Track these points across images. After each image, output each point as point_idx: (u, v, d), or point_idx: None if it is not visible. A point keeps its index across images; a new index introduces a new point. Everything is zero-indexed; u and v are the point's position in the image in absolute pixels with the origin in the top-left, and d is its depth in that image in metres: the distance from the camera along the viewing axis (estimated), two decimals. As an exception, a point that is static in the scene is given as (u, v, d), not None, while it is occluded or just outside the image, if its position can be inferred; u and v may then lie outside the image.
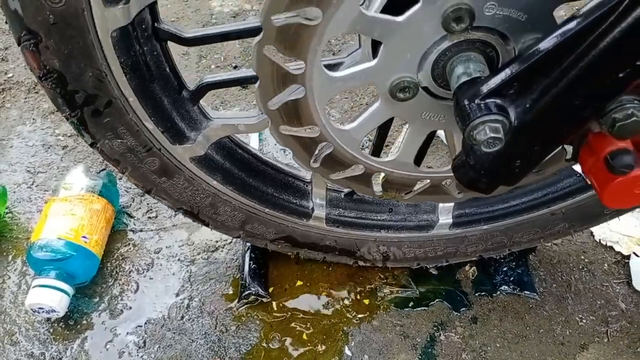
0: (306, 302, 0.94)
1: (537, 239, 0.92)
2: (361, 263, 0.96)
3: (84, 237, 0.91)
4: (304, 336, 0.90)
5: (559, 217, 0.87)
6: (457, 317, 0.95)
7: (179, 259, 0.98)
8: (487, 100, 0.52)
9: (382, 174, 0.72)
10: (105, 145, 0.68)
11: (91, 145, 0.68)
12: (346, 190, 0.86)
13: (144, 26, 0.60)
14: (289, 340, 0.90)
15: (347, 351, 0.90)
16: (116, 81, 0.61)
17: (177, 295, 0.94)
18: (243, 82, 0.68)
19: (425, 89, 0.60)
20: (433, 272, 1.00)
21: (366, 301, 0.96)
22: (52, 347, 0.88)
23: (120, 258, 0.99)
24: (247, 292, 0.93)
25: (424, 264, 0.96)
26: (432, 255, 0.94)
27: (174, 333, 0.89)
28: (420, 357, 0.91)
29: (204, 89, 0.69)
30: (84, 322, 0.91)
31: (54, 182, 1.07)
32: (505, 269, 0.99)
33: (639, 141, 0.53)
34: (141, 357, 0.87)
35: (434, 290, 0.98)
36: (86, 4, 0.53)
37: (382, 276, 0.99)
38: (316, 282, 0.97)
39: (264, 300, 0.93)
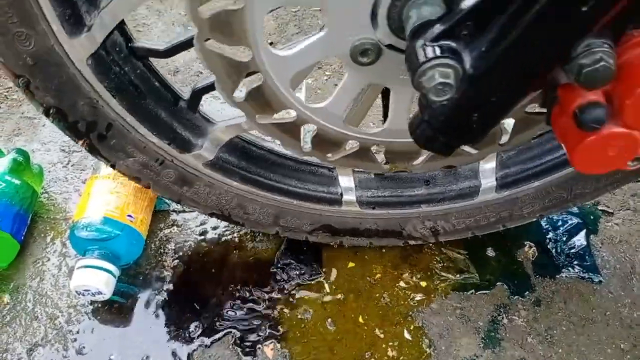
0: (359, 284, 0.91)
1: (603, 187, 0.80)
2: (411, 242, 0.91)
3: (129, 215, 0.86)
4: (360, 319, 0.88)
5: (620, 159, 0.75)
6: (520, 299, 0.88)
7: (225, 242, 0.94)
8: (438, 43, 0.47)
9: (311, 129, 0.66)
10: (121, 166, 0.74)
11: (111, 167, 0.74)
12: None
13: (117, 48, 0.64)
14: (344, 323, 0.87)
15: (407, 335, 0.86)
16: (108, 105, 0.66)
17: (227, 279, 0.91)
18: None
19: (391, 46, 0.56)
20: (490, 254, 0.94)
21: (423, 283, 0.91)
22: (96, 331, 0.85)
23: (164, 239, 0.94)
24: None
25: (479, 233, 0.89)
26: (485, 223, 0.87)
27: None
28: (483, 341, 0.84)
29: (198, 94, 0.71)
30: (129, 305, 0.87)
31: (91, 162, 1.02)
32: (566, 249, 0.92)
33: (611, 93, 0.45)
34: (192, 340, 0.84)
35: (493, 272, 0.92)
36: (54, 40, 0.58)
37: (438, 259, 0.93)
38: (369, 264, 0.93)
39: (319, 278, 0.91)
